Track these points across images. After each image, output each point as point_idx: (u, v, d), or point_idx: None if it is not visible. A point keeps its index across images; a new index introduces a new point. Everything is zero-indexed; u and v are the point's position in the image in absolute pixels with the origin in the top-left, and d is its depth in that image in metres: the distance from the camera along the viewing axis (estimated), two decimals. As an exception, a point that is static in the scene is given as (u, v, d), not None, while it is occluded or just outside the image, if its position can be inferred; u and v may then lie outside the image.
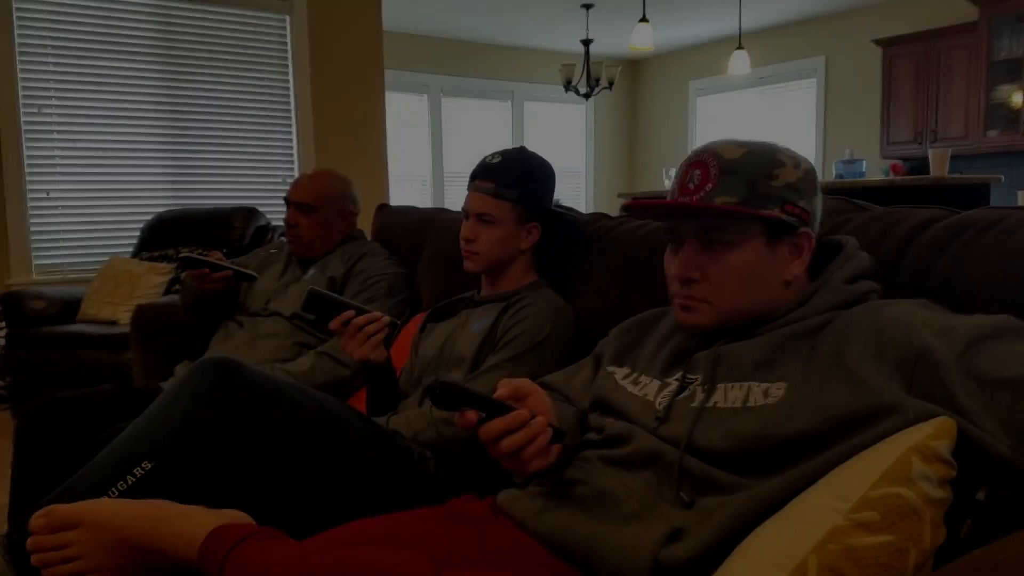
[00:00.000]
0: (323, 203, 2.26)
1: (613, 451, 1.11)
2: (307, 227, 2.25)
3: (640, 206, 1.09)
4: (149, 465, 1.19)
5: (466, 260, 1.71)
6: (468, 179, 1.74)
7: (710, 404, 1.03)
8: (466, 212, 1.71)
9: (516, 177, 1.68)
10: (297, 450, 1.25)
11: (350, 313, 1.53)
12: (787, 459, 0.93)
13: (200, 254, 2.28)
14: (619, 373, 1.22)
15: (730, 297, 1.08)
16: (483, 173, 1.68)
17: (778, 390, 0.97)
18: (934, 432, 0.84)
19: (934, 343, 0.90)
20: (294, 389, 1.31)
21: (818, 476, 0.90)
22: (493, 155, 1.70)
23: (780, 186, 1.08)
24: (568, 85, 6.87)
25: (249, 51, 4.66)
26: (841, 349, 0.97)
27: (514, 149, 1.72)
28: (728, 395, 1.02)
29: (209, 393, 1.22)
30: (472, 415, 0.99)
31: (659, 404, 1.10)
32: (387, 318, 1.56)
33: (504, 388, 1.05)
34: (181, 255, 2.11)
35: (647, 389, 1.15)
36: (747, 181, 1.07)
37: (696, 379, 1.08)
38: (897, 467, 0.82)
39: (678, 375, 1.11)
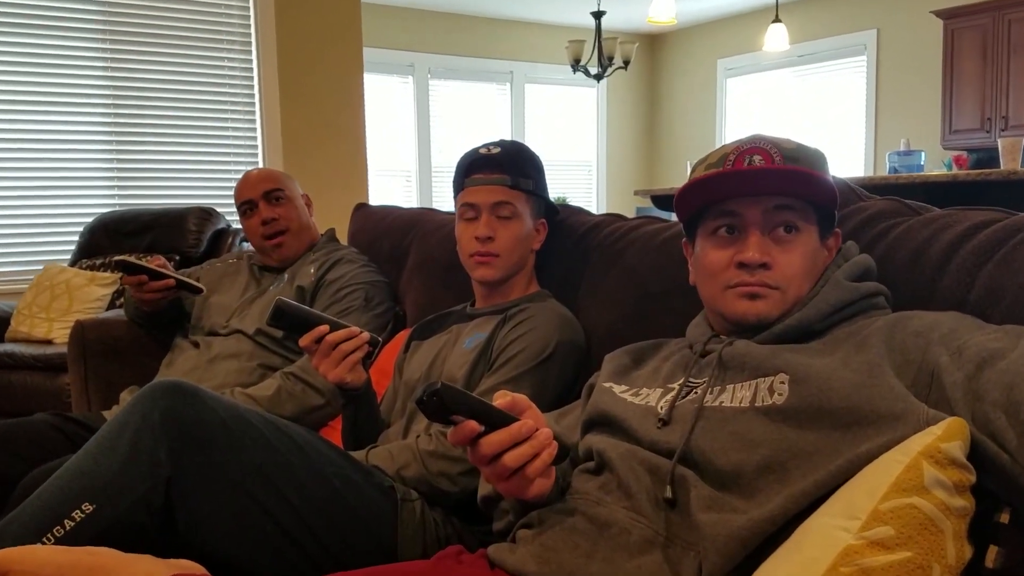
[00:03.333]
0: (290, 185, 2.31)
1: (608, 476, 1.14)
2: (289, 217, 2.28)
3: (710, 177, 1.18)
4: (90, 507, 1.19)
5: (480, 267, 1.71)
6: (458, 175, 1.75)
7: (716, 403, 1.11)
8: (470, 208, 1.71)
9: (525, 166, 1.72)
10: (261, 491, 1.26)
11: (323, 328, 1.54)
12: (791, 473, 0.99)
13: (139, 259, 2.30)
14: (617, 388, 1.28)
15: (799, 284, 1.19)
16: (487, 164, 1.70)
17: (781, 384, 1.06)
18: (944, 434, 0.87)
19: (947, 363, 0.97)
20: (258, 419, 1.31)
21: (824, 494, 0.94)
22: (488, 146, 1.72)
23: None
24: (576, 65, 6.90)
25: (206, 27, 4.68)
26: (860, 348, 1.05)
27: (507, 140, 1.76)
28: (736, 394, 1.11)
29: (160, 423, 1.22)
30: (472, 425, 1.00)
31: (661, 408, 1.17)
32: (367, 334, 1.57)
33: (501, 399, 1.08)
34: (116, 259, 2.12)
35: (648, 398, 1.21)
36: (811, 168, 1.19)
37: (700, 383, 1.16)
38: (907, 475, 0.85)
39: (681, 380, 1.20)
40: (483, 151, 1.72)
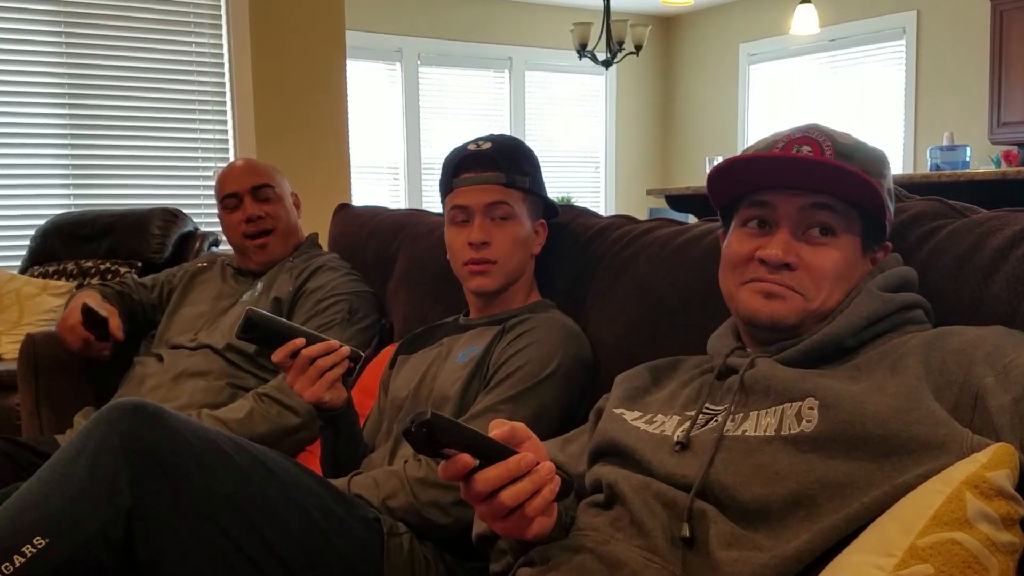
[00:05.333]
0: (280, 182, 2.33)
1: (620, 510, 1.14)
2: (277, 216, 2.29)
3: (741, 160, 1.20)
4: (42, 542, 1.19)
5: (476, 277, 1.71)
6: (445, 175, 1.76)
7: (738, 432, 1.10)
8: (460, 211, 1.72)
9: (521, 162, 1.73)
10: (232, 523, 1.26)
11: (299, 341, 1.54)
12: (821, 507, 0.99)
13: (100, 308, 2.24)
14: (629, 415, 1.28)
15: (826, 293, 1.19)
16: (478, 161, 1.71)
17: (810, 409, 1.06)
18: (989, 462, 0.87)
19: (992, 385, 0.97)
20: (229, 443, 1.31)
21: (856, 529, 0.94)
22: (478, 141, 1.73)
23: (887, 188, 1.23)
24: (583, 50, 6.91)
25: (171, 8, 4.69)
26: (896, 370, 1.05)
27: (500, 135, 1.77)
28: (760, 422, 1.10)
29: (120, 448, 1.23)
30: (467, 459, 0.99)
31: (677, 437, 1.17)
32: (347, 348, 1.57)
33: (498, 429, 1.07)
34: (85, 307, 2.12)
35: (664, 427, 1.21)
36: (863, 169, 1.18)
37: (720, 409, 1.16)
38: (949, 507, 0.84)
39: (699, 406, 1.20)
40: (472, 147, 1.72)
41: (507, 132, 8.42)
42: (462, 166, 1.72)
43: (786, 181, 1.20)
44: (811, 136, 1.21)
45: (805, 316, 1.19)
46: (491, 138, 1.74)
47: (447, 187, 1.75)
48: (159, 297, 2.43)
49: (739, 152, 1.28)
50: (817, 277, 1.18)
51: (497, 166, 1.70)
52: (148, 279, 2.47)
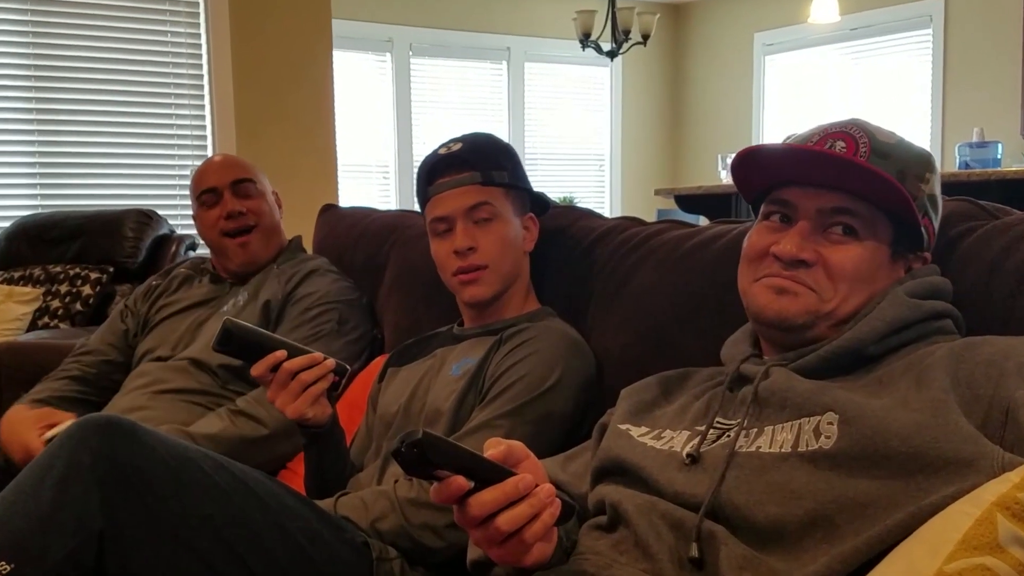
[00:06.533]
0: (261, 178, 2.33)
1: (624, 532, 1.14)
2: (260, 212, 2.29)
3: (758, 151, 1.21)
4: (7, 568, 1.19)
5: (468, 287, 1.72)
6: (420, 185, 1.78)
7: (751, 448, 1.11)
8: (441, 222, 1.73)
9: (496, 157, 1.74)
10: (211, 548, 1.26)
11: (280, 354, 1.54)
12: (840, 528, 0.99)
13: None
14: (635, 431, 1.28)
15: (843, 294, 1.19)
16: (451, 164, 1.72)
17: (829, 424, 1.06)
18: (1022, 481, 0.86)
19: (1022, 398, 0.97)
20: (208, 461, 1.32)
21: (878, 553, 0.94)
22: (448, 144, 1.75)
23: (927, 194, 1.23)
24: (586, 40, 6.92)
25: (146, -5, 4.69)
26: (921, 382, 1.05)
27: (472, 132, 1.78)
28: (776, 438, 1.10)
29: (90, 466, 1.23)
30: (461, 481, 0.99)
31: (686, 452, 1.17)
32: (331, 361, 1.57)
33: (494, 449, 1.07)
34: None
35: (672, 442, 1.21)
36: (898, 171, 1.19)
37: (734, 424, 1.17)
38: (978, 530, 0.84)
39: (710, 420, 1.20)
40: (443, 151, 1.74)
41: (506, 128, 8.51)
42: (435, 172, 1.74)
43: (808, 177, 1.21)
44: (849, 132, 1.22)
45: (816, 317, 1.19)
46: (462, 138, 1.76)
47: (424, 196, 1.77)
48: (124, 349, 2.35)
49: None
50: (835, 275, 1.19)
51: (471, 165, 1.71)
52: (134, 295, 2.46)
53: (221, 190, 2.27)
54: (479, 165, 1.71)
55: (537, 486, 1.03)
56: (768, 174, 1.26)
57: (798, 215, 1.21)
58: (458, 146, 1.73)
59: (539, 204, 1.85)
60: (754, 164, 1.26)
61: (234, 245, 2.27)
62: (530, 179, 1.82)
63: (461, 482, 0.99)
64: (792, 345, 1.22)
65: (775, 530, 1.02)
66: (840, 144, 1.21)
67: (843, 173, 1.18)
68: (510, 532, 1.01)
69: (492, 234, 1.70)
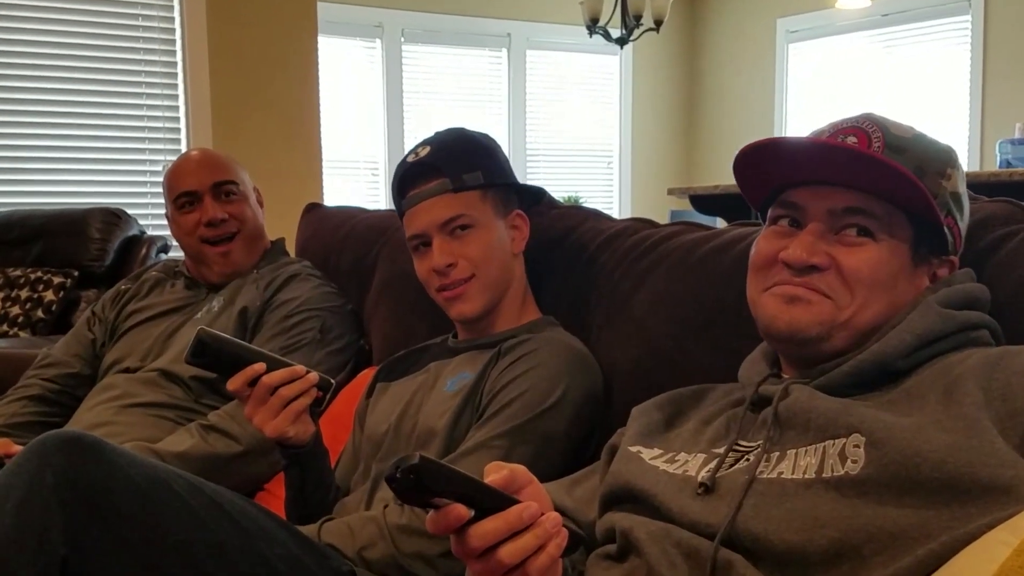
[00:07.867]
0: (243, 177, 2.32)
1: (635, 561, 1.14)
2: (243, 217, 2.28)
3: (757, 148, 1.21)
4: (-38, 596, 1.20)
5: (455, 303, 1.72)
6: (395, 197, 1.78)
7: (773, 474, 1.11)
8: (417, 239, 1.73)
9: (466, 155, 1.74)
10: (183, 574, 1.26)
11: (259, 367, 1.54)
12: (867, 560, 0.99)
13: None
14: (647, 453, 1.28)
15: (862, 300, 1.18)
16: (420, 173, 1.73)
17: (855, 447, 1.06)
18: None
19: None
20: (181, 482, 1.32)
21: None
22: (416, 149, 1.75)
23: (949, 191, 1.22)
24: (594, 26, 6.92)
25: (115, -25, 4.70)
26: (950, 396, 1.05)
27: (442, 131, 1.79)
28: (799, 462, 1.10)
29: (53, 488, 1.22)
30: (461, 510, 0.99)
31: (701, 478, 1.17)
32: (315, 375, 1.57)
33: (495, 474, 1.07)
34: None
35: (687, 466, 1.21)
36: (915, 167, 1.19)
37: (754, 447, 1.16)
38: (1017, 561, 0.84)
39: (729, 443, 1.19)
40: (411, 158, 1.75)
41: (505, 121, 8.51)
42: (405, 182, 1.75)
43: (817, 174, 1.21)
44: (860, 126, 1.22)
45: (832, 327, 1.18)
46: (430, 140, 1.76)
47: (399, 211, 1.78)
48: (92, 360, 2.35)
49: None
50: (851, 280, 1.18)
51: (440, 172, 1.71)
52: (102, 301, 2.45)
53: (201, 194, 2.26)
54: (448, 170, 1.71)
55: (542, 515, 1.03)
56: (774, 174, 1.26)
57: (807, 217, 1.21)
58: (425, 151, 1.73)
59: (528, 197, 1.85)
60: (759, 163, 1.25)
61: (215, 254, 2.26)
62: (532, 177, 1.83)
63: (461, 511, 0.98)
64: (809, 361, 1.21)
65: (796, 559, 1.02)
66: (851, 139, 1.21)
67: (854, 168, 1.18)
68: (513, 565, 1.01)
69: (473, 243, 1.71)
